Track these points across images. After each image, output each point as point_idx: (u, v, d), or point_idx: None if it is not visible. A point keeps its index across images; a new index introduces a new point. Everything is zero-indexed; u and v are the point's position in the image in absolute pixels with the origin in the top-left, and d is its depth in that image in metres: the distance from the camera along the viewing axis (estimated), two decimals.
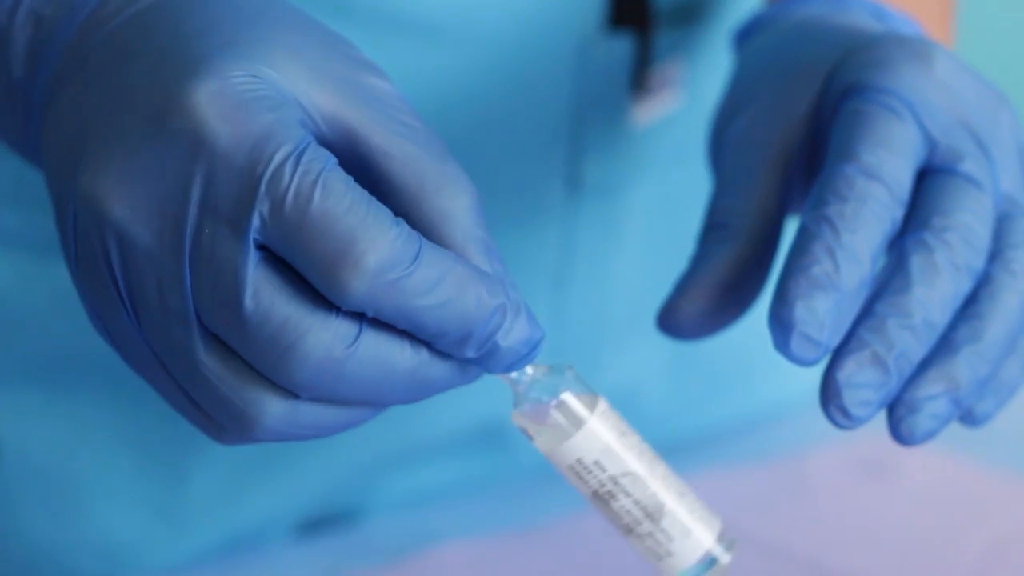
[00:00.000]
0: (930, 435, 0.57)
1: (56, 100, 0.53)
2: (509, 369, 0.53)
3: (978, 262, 0.57)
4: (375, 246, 0.49)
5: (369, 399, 0.52)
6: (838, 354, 0.56)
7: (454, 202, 0.52)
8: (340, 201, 0.49)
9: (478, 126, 0.78)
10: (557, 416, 0.55)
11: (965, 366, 0.57)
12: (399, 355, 0.51)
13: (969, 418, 0.59)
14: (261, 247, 0.50)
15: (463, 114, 0.77)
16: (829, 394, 0.56)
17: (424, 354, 0.51)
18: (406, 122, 0.53)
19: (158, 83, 0.50)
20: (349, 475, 0.84)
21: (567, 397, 0.55)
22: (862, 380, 0.56)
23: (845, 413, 0.56)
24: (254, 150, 0.49)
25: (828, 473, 0.85)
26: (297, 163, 0.49)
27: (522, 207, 0.82)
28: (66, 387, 0.79)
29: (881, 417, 0.58)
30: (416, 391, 0.52)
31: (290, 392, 0.51)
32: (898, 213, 0.57)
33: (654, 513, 0.56)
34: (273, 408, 0.51)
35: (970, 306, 0.58)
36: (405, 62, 0.75)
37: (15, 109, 0.57)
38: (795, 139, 0.62)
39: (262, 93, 0.50)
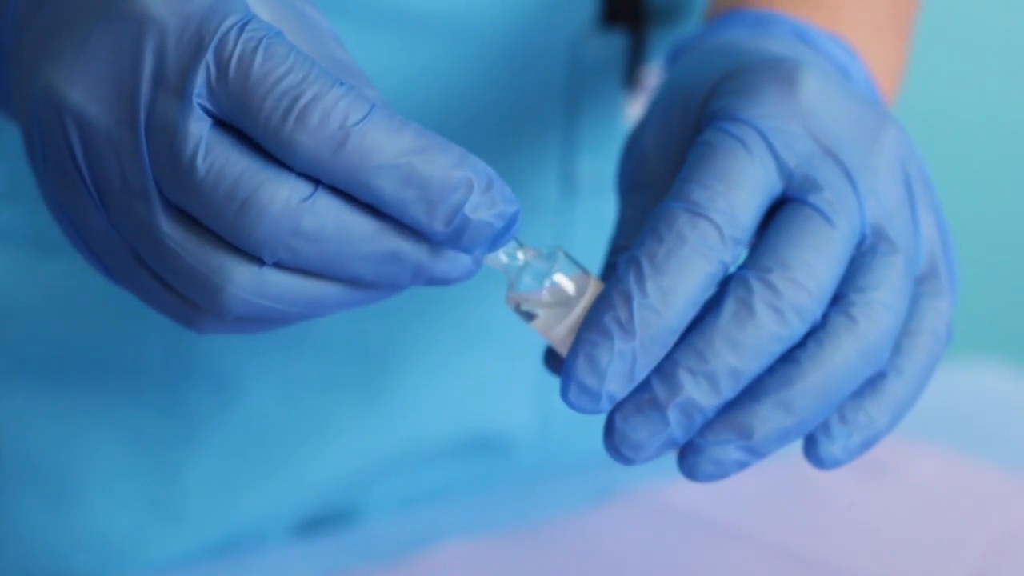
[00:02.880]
0: (715, 477, 0.55)
1: (19, 30, 0.55)
2: (490, 247, 0.52)
3: (810, 304, 0.54)
4: (318, 101, 0.50)
5: (332, 265, 0.51)
6: (627, 395, 0.54)
7: None
8: (282, 63, 0.50)
9: (471, 123, 0.78)
10: (553, 298, 0.55)
11: (764, 415, 0.54)
12: (360, 218, 0.51)
13: (815, 459, 0.57)
14: (214, 116, 0.51)
15: (456, 111, 0.78)
16: (606, 432, 0.55)
17: (389, 222, 0.51)
18: (335, 51, 0.54)
19: None
20: (346, 476, 0.84)
21: (560, 279, 0.55)
22: (637, 423, 0.54)
23: (617, 452, 0.55)
24: (202, 23, 0.51)
25: (828, 473, 0.85)
26: (241, 31, 0.51)
27: None
28: (61, 383, 0.80)
29: None
30: (384, 262, 0.52)
31: (253, 258, 0.51)
32: (728, 253, 0.54)
33: None
34: (238, 275, 0.51)
35: (795, 350, 0.55)
36: (398, 57, 0.76)
37: None
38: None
39: None
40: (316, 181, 0.51)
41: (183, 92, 0.51)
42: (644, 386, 0.54)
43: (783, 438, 0.55)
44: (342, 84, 0.50)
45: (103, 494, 0.81)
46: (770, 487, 0.84)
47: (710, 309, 0.54)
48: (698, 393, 0.54)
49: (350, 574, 0.78)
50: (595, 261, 0.61)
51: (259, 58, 0.50)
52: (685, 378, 0.54)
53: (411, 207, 0.51)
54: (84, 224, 0.54)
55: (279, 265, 0.52)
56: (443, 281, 0.53)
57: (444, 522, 0.83)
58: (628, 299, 0.53)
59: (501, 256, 0.55)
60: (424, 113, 0.77)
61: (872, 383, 0.57)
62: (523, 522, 0.82)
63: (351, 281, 0.53)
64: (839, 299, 0.55)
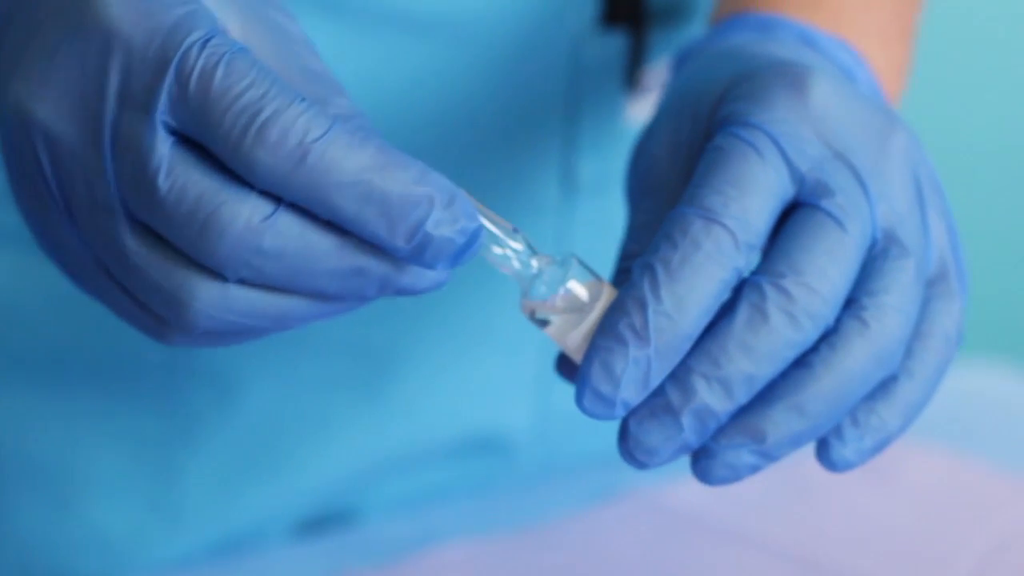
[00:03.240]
0: (728, 480, 0.56)
1: None
2: (452, 263, 0.52)
3: (824, 309, 0.54)
4: (277, 117, 0.50)
5: (296, 281, 0.52)
6: (643, 401, 0.55)
7: None
8: (242, 78, 0.50)
9: (472, 124, 0.78)
10: (566, 305, 0.55)
11: (776, 419, 0.55)
12: (322, 235, 0.51)
13: (827, 462, 0.57)
14: (177, 132, 0.51)
15: (457, 112, 0.77)
16: (620, 436, 0.55)
17: (352, 238, 0.51)
18: (306, 59, 0.54)
19: None
20: (346, 477, 0.84)
21: (574, 286, 0.55)
22: (650, 428, 0.54)
23: (631, 457, 0.55)
24: (166, 39, 0.51)
25: (828, 473, 0.85)
26: (203, 47, 0.51)
27: (517, 206, 0.82)
28: (61, 384, 0.80)
29: None
30: (348, 277, 0.52)
31: (218, 275, 0.51)
32: (742, 259, 0.54)
33: None
34: (203, 291, 0.52)
35: (808, 355, 0.55)
36: (399, 60, 0.75)
37: None
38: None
39: None
40: (278, 199, 0.51)
41: (147, 109, 0.51)
42: (658, 391, 0.54)
43: (796, 442, 0.55)
44: (303, 100, 0.50)
45: (103, 495, 0.81)
46: (770, 488, 0.84)
47: (724, 315, 0.54)
48: (712, 399, 0.54)
49: (350, 574, 0.78)
50: (596, 261, 0.61)
51: (220, 74, 0.50)
52: (699, 384, 0.54)
53: (372, 224, 0.51)
54: (56, 237, 0.54)
55: (244, 281, 0.52)
56: (411, 292, 0.53)
57: (444, 523, 0.83)
58: (643, 306, 0.53)
59: (514, 263, 0.55)
60: (425, 115, 0.77)
61: (884, 386, 0.57)
62: (523, 522, 0.82)
63: (317, 295, 0.53)
64: (851, 303, 0.55)
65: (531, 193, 0.82)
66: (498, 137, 0.79)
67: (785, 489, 0.84)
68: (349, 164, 0.50)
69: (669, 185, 0.60)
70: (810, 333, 0.54)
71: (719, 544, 0.80)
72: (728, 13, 0.69)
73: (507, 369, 0.86)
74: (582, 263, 0.56)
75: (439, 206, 0.51)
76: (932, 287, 0.58)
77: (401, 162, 0.51)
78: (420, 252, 0.51)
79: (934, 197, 0.59)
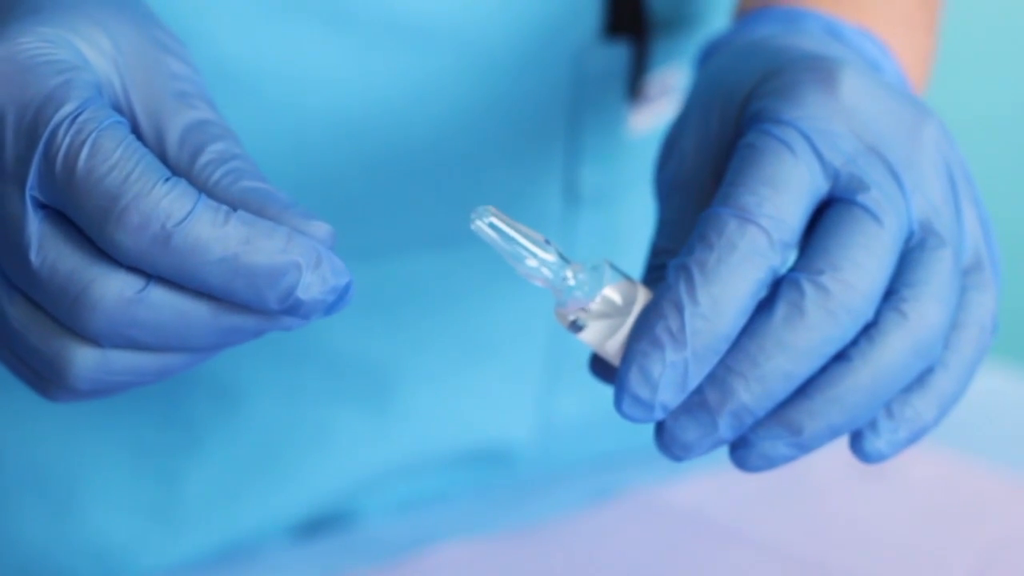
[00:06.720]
0: (764, 469, 0.56)
1: None
2: (327, 315, 0.53)
3: (862, 304, 0.54)
4: (138, 202, 0.50)
5: (173, 345, 0.52)
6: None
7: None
8: (106, 160, 0.50)
9: (475, 135, 0.78)
10: (601, 309, 0.55)
11: (814, 412, 0.55)
12: (195, 304, 0.52)
13: (861, 453, 0.57)
14: (49, 206, 0.51)
15: (460, 123, 0.77)
16: (656, 431, 0.55)
17: (225, 303, 0.52)
18: (195, 112, 0.54)
19: None
20: (347, 487, 0.84)
21: (608, 291, 0.55)
22: (687, 425, 0.55)
23: (668, 451, 0.55)
24: (37, 113, 0.51)
25: (828, 473, 0.85)
26: (72, 123, 0.51)
27: (520, 217, 0.81)
28: None
29: None
30: (225, 336, 0.52)
31: (94, 342, 0.52)
32: (777, 258, 0.54)
33: None
34: (81, 357, 0.52)
35: (847, 348, 0.55)
36: (402, 71, 0.75)
37: None
38: (723, 175, 0.59)
39: (52, 57, 0.52)
40: (148, 273, 0.51)
41: (19, 183, 0.51)
42: (696, 389, 0.54)
43: (832, 434, 0.55)
44: (167, 179, 0.51)
45: (104, 502, 0.81)
46: (770, 487, 0.84)
47: (761, 313, 0.54)
48: (750, 398, 0.54)
49: (349, 574, 0.79)
50: None
51: (84, 154, 0.50)
52: (737, 383, 0.54)
53: (241, 295, 0.51)
54: None
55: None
56: (291, 329, 0.54)
57: (443, 522, 0.83)
58: (679, 308, 0.53)
59: (547, 273, 0.55)
60: (428, 126, 0.77)
61: (919, 377, 0.57)
62: (523, 522, 0.82)
63: (195, 351, 0.53)
64: (890, 295, 0.55)
65: (534, 204, 0.82)
66: (501, 148, 0.79)
67: (785, 489, 0.84)
68: (214, 243, 0.50)
69: (698, 180, 0.60)
70: (849, 329, 0.54)
71: (719, 544, 0.80)
72: (753, 6, 0.69)
73: (509, 380, 0.85)
74: (614, 267, 0.56)
75: (307, 269, 0.51)
76: (967, 277, 0.58)
77: (266, 231, 0.51)
78: (293, 312, 0.52)
79: (966, 186, 0.59)
